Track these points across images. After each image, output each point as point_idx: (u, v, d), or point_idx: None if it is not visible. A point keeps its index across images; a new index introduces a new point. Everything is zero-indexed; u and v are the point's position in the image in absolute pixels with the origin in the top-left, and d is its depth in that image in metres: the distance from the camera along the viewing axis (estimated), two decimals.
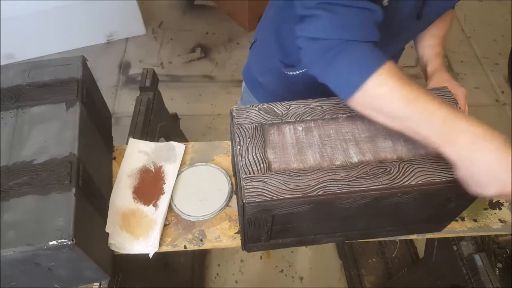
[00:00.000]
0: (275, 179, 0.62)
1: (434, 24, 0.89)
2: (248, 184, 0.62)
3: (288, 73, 0.93)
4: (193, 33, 2.63)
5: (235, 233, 0.84)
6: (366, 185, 0.62)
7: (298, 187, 0.62)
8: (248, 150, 0.65)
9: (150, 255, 0.80)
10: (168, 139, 1.36)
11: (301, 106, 0.71)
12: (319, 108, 0.71)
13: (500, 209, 0.87)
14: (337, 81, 0.62)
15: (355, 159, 0.65)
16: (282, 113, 0.70)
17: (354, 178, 0.63)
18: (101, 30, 2.51)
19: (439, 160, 0.64)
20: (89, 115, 0.79)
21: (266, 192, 0.61)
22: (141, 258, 0.81)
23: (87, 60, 0.85)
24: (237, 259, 1.77)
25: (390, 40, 0.81)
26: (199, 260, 1.64)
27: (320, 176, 0.63)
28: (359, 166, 0.64)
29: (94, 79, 0.89)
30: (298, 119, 0.69)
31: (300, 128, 0.69)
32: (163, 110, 1.38)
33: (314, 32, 0.62)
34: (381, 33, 0.64)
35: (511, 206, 0.87)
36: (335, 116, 0.70)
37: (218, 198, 0.87)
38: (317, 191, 0.61)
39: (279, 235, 0.75)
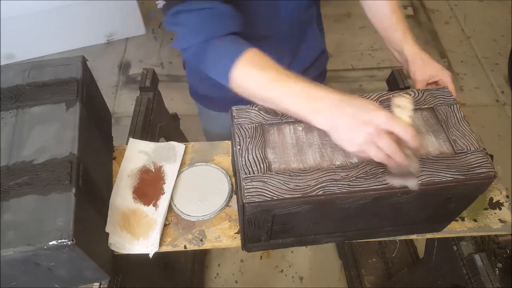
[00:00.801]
0: (275, 179, 0.62)
1: (380, 5, 0.86)
2: (248, 184, 0.62)
3: None
4: None
5: (235, 233, 0.84)
6: (366, 185, 0.62)
7: (298, 187, 0.62)
8: (248, 150, 0.65)
9: (150, 255, 0.81)
10: (168, 139, 1.36)
11: None
12: None
13: (500, 209, 0.87)
14: (215, 76, 0.70)
15: (355, 159, 0.65)
16: (282, 113, 0.70)
17: (354, 178, 0.63)
18: (101, 30, 2.51)
19: (439, 160, 0.65)
20: (89, 115, 0.79)
21: (266, 192, 0.61)
22: (141, 258, 0.81)
23: (87, 60, 0.85)
24: (237, 259, 1.77)
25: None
26: (199, 260, 1.64)
27: (320, 176, 0.63)
28: (359, 166, 0.64)
29: (94, 79, 0.89)
30: (298, 119, 0.70)
31: (300, 128, 0.69)
32: (163, 110, 1.38)
33: (179, 45, 0.72)
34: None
35: (511, 206, 0.87)
36: None
37: (218, 198, 0.87)
38: (317, 191, 0.61)
39: (279, 235, 0.75)
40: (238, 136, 0.67)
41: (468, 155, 0.66)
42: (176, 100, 2.27)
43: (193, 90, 1.11)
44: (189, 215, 0.85)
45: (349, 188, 0.62)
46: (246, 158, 0.64)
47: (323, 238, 0.81)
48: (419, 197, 0.66)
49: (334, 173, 0.63)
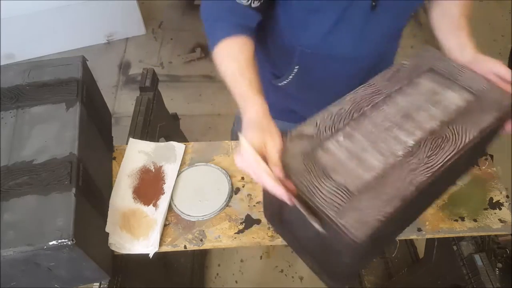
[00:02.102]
0: (365, 199, 0.57)
1: (452, 2, 0.87)
2: (346, 219, 0.55)
3: (278, 84, 0.94)
4: (193, 33, 2.62)
5: (235, 233, 0.84)
6: (441, 159, 0.62)
7: (391, 194, 0.58)
8: (315, 185, 0.59)
9: (150, 255, 0.80)
10: (168, 139, 1.35)
11: (325, 117, 0.68)
12: (342, 110, 0.68)
13: (500, 209, 0.87)
14: (209, 36, 0.76)
15: (410, 142, 0.64)
16: (314, 132, 0.66)
17: (427, 158, 0.62)
18: (101, 30, 2.51)
19: (472, 109, 0.69)
20: (89, 115, 0.79)
21: (370, 217, 0.55)
22: (141, 258, 0.81)
23: (87, 60, 0.85)
24: (237, 259, 1.77)
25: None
26: (199, 260, 1.64)
27: (400, 174, 0.60)
28: (421, 146, 0.63)
29: (94, 79, 0.89)
30: (333, 130, 0.66)
31: (342, 139, 0.65)
32: (163, 110, 1.38)
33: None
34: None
35: (511, 206, 0.87)
36: (361, 111, 0.68)
37: (218, 198, 0.87)
38: (409, 188, 0.58)
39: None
40: (296, 180, 0.60)
41: (487, 93, 0.70)
42: (176, 100, 2.27)
43: None
44: (189, 215, 0.85)
45: (431, 170, 0.60)
46: (320, 194, 0.58)
47: (399, 234, 0.80)
48: (477, 144, 0.68)
49: (407, 163, 0.61)
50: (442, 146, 0.63)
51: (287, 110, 1.02)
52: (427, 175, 0.60)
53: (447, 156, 0.62)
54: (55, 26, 2.34)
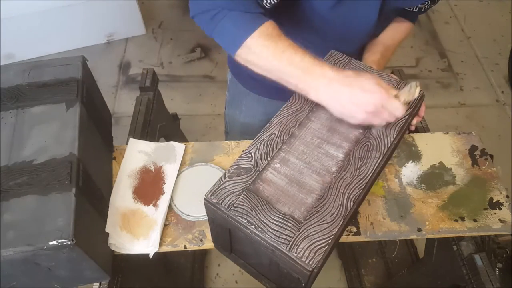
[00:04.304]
0: (312, 225, 0.59)
1: (385, 31, 0.91)
2: (298, 251, 0.56)
3: None
4: (193, 33, 2.63)
5: None
6: (371, 168, 0.64)
7: (334, 214, 0.60)
8: (262, 221, 0.59)
9: (150, 255, 0.80)
10: (168, 139, 1.35)
11: (258, 146, 0.68)
12: (272, 136, 0.69)
13: (500, 209, 0.87)
14: (223, 40, 0.72)
15: (341, 156, 0.66)
16: (251, 164, 0.66)
17: (358, 170, 0.63)
18: (101, 30, 2.51)
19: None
20: (89, 115, 0.79)
21: (318, 242, 0.57)
22: (141, 258, 0.81)
23: (87, 60, 0.85)
24: None
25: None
26: (199, 260, 1.64)
27: (338, 191, 0.62)
28: (350, 158, 0.65)
29: (94, 79, 0.89)
30: (268, 158, 0.66)
31: (278, 165, 0.66)
32: (163, 110, 1.38)
33: (194, 8, 0.72)
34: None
35: (511, 206, 0.87)
36: (290, 133, 0.70)
37: None
38: (349, 204, 0.60)
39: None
40: (242, 217, 0.60)
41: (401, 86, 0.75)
42: (176, 100, 2.27)
43: (237, 69, 1.09)
44: (189, 215, 0.85)
45: (364, 181, 0.62)
46: (269, 229, 0.58)
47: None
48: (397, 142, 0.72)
49: (342, 179, 0.63)
50: (369, 154, 0.66)
51: (285, 91, 1.03)
52: (362, 187, 0.63)
53: (375, 164, 0.65)
54: (55, 26, 2.35)
